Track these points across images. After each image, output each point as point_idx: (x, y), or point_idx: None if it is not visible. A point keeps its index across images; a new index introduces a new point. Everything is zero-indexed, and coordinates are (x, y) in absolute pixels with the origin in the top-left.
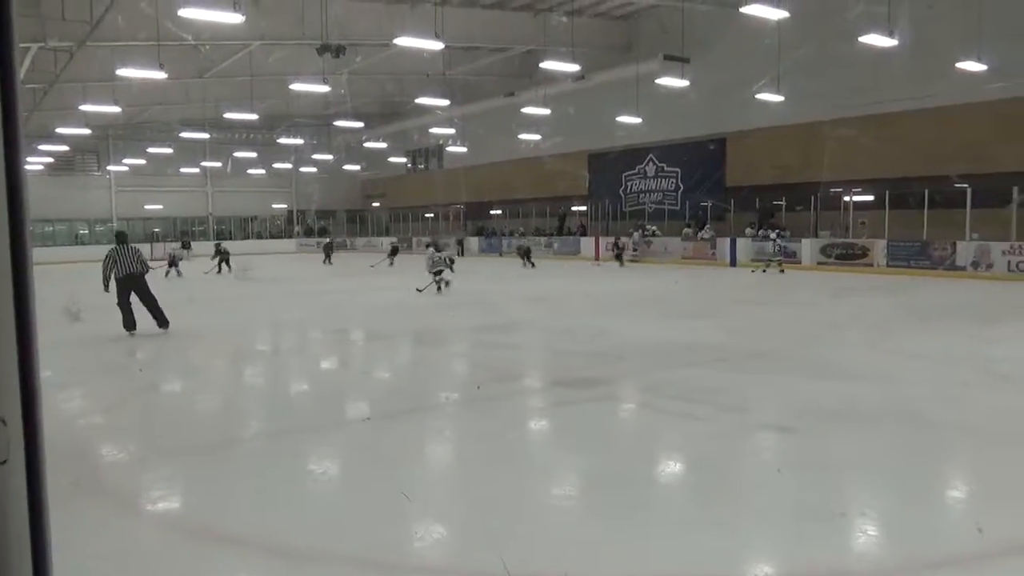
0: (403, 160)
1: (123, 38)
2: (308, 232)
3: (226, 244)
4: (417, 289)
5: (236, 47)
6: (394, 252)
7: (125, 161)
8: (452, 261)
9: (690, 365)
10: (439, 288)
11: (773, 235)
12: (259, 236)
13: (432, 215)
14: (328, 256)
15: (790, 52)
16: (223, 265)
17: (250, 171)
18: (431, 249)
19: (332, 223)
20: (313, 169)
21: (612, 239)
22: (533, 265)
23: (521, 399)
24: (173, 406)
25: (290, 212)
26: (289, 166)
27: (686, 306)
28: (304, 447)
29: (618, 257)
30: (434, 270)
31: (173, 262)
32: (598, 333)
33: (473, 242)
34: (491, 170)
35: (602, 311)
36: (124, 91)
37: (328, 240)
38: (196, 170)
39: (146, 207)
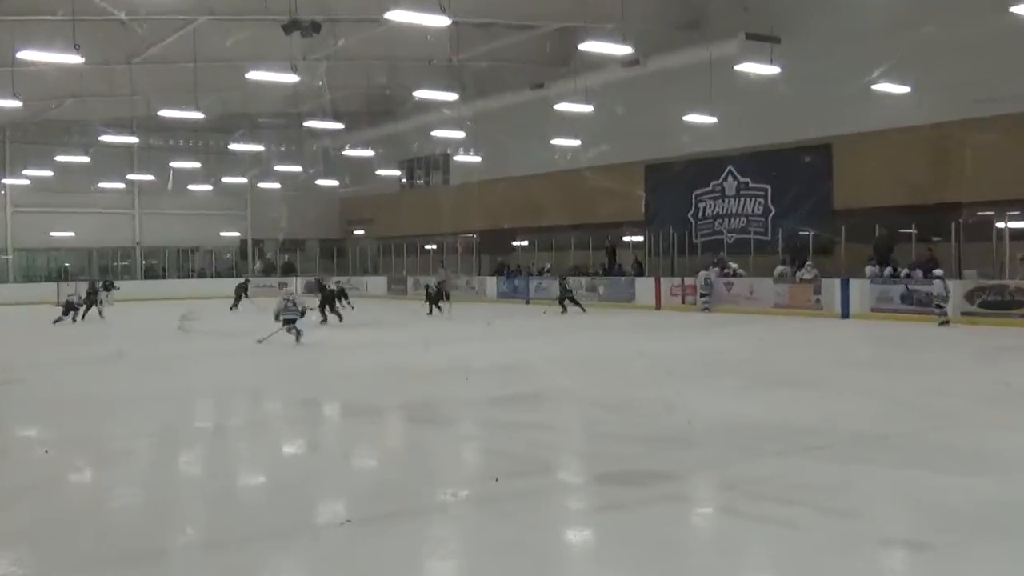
0: (396, 174)
1: (26, 11)
2: (268, 269)
3: (105, 282)
4: (258, 340)
5: (176, 23)
6: (434, 298)
7: (26, 172)
8: (303, 311)
9: (784, 453)
10: (297, 338)
11: (939, 274)
12: (202, 274)
13: (434, 247)
14: (236, 301)
15: (917, 28)
16: (91, 308)
17: (192, 187)
18: (286, 289)
19: (300, 258)
20: (276, 185)
21: (678, 280)
22: (583, 309)
23: (553, 499)
24: (83, 503)
25: (244, 242)
26: (244, 181)
27: (779, 372)
28: (258, 561)
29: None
30: (286, 316)
31: (70, 308)
32: (659, 409)
33: (489, 284)
34: (514, 187)
35: (664, 378)
36: (27, 80)
37: (243, 280)
38: (120, 185)
39: (52, 234)
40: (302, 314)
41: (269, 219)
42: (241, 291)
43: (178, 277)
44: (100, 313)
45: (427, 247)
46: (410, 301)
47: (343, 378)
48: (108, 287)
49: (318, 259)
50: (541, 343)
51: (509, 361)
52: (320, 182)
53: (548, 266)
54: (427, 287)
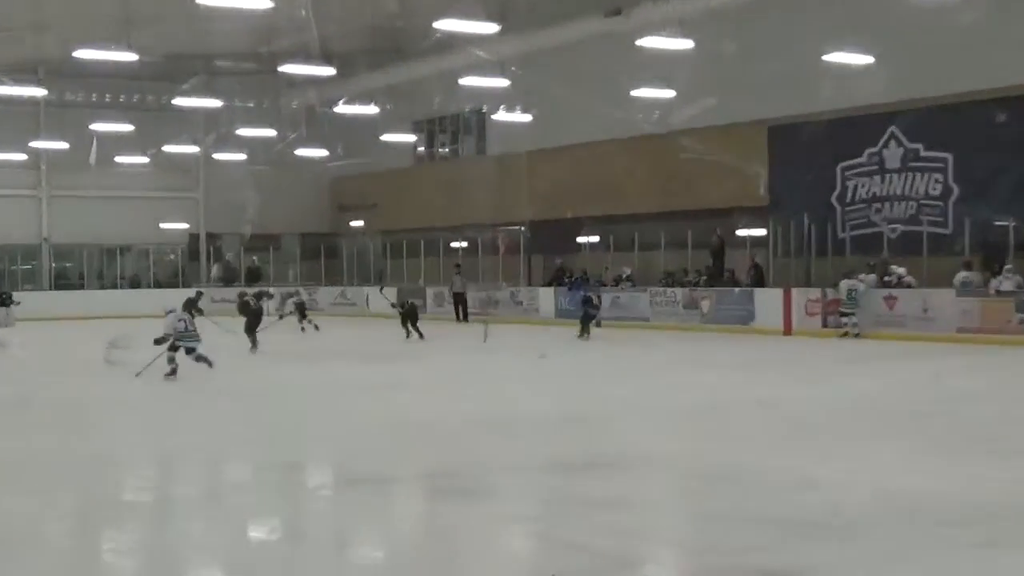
0: (410, 140)
1: None
2: (228, 276)
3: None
4: (136, 373)
5: None
6: (409, 316)
7: None
8: (194, 333)
9: (987, 545)
10: (209, 365)
11: None
12: (135, 283)
13: (464, 244)
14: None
15: None
16: None
17: (122, 159)
18: (176, 312)
19: (274, 259)
20: (240, 156)
21: (816, 293)
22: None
23: None
24: None
25: (195, 238)
26: (195, 150)
27: (967, 428)
28: None
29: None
30: (185, 344)
31: None
32: (790, 481)
33: (544, 298)
34: (578, 160)
35: (797, 437)
36: None
37: (193, 293)
38: (20, 156)
39: None
40: (193, 334)
41: (230, 205)
42: (190, 307)
43: (102, 287)
44: None
45: (454, 244)
46: (433, 320)
47: (336, 434)
48: (3, 301)
49: (299, 262)
50: (618, 385)
51: (573, 410)
52: (302, 152)
53: (628, 271)
54: (400, 304)
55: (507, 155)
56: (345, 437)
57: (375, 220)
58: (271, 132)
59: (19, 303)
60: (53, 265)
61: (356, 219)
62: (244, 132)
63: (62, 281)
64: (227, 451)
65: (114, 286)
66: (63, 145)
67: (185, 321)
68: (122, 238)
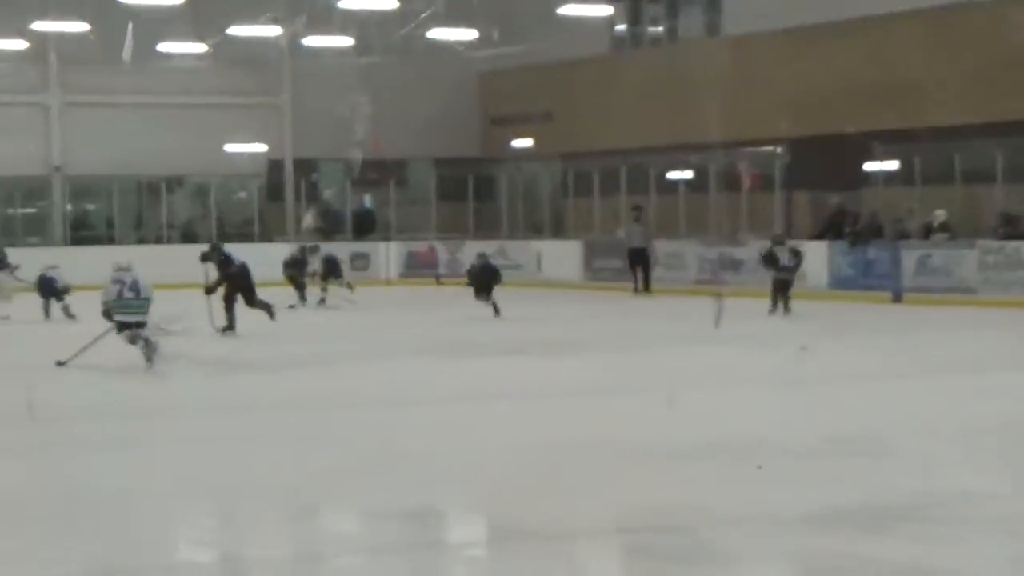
0: (604, 11)
1: None
2: (330, 224)
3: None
4: (57, 362)
5: None
6: (478, 279)
7: None
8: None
9: None
10: (148, 357)
11: None
12: (188, 235)
13: (686, 175)
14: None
15: None
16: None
17: (167, 47)
18: (119, 275)
19: (394, 199)
20: (343, 42)
21: None
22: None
23: None
24: None
25: (276, 167)
26: (277, 33)
27: None
28: None
29: None
30: (120, 316)
31: None
32: None
33: (813, 257)
34: (861, 42)
35: None
36: None
37: (300, 248)
38: (18, 45)
39: None
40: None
41: (329, 117)
42: (296, 267)
43: (139, 241)
44: None
45: (671, 175)
46: (602, 292)
47: (474, 465)
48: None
49: (434, 203)
50: (917, 392)
51: (843, 431)
52: (438, 34)
53: (942, 216)
54: (470, 268)
55: (753, 36)
56: (488, 469)
57: (550, 138)
58: (390, 3)
59: (17, 267)
60: (69, 207)
61: (520, 137)
62: (349, 4)
63: (83, 232)
64: (314, 491)
65: (158, 239)
66: (81, 26)
67: (123, 285)
68: (169, 167)
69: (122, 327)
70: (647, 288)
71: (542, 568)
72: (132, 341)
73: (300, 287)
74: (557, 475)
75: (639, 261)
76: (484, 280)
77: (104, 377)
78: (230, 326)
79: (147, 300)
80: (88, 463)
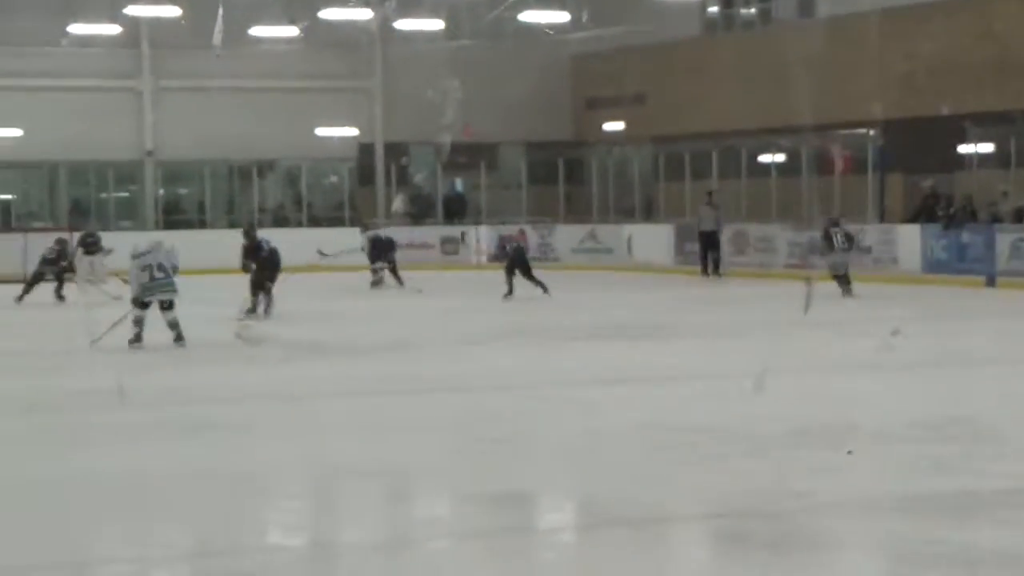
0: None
1: None
2: (419, 209)
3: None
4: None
5: None
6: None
7: None
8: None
9: None
10: (178, 337)
11: None
12: (279, 219)
13: (778, 158)
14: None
15: None
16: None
17: (259, 31)
18: (143, 260)
19: (485, 183)
20: (435, 24)
21: None
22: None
23: None
24: None
25: (366, 149)
26: (368, 16)
27: None
28: None
29: None
30: (147, 295)
31: (38, 278)
32: None
33: (906, 241)
34: (959, 22)
35: None
36: None
37: (372, 233)
38: (111, 30)
39: None
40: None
41: (420, 101)
42: (377, 253)
43: (230, 225)
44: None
45: (762, 158)
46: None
47: (561, 448)
48: (90, 247)
49: (525, 186)
50: (1009, 378)
51: (939, 415)
52: (530, 17)
53: None
54: (507, 247)
55: (847, 18)
56: (582, 454)
57: (642, 121)
58: None
59: (111, 251)
60: (161, 192)
61: (612, 120)
62: None
63: (174, 216)
64: (408, 475)
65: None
66: (173, 11)
67: (151, 268)
68: (260, 151)
69: (142, 305)
70: (717, 271)
71: (634, 554)
72: (171, 322)
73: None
74: (650, 460)
75: (710, 244)
76: (520, 260)
77: (192, 362)
78: (253, 309)
79: (174, 270)
80: (181, 447)
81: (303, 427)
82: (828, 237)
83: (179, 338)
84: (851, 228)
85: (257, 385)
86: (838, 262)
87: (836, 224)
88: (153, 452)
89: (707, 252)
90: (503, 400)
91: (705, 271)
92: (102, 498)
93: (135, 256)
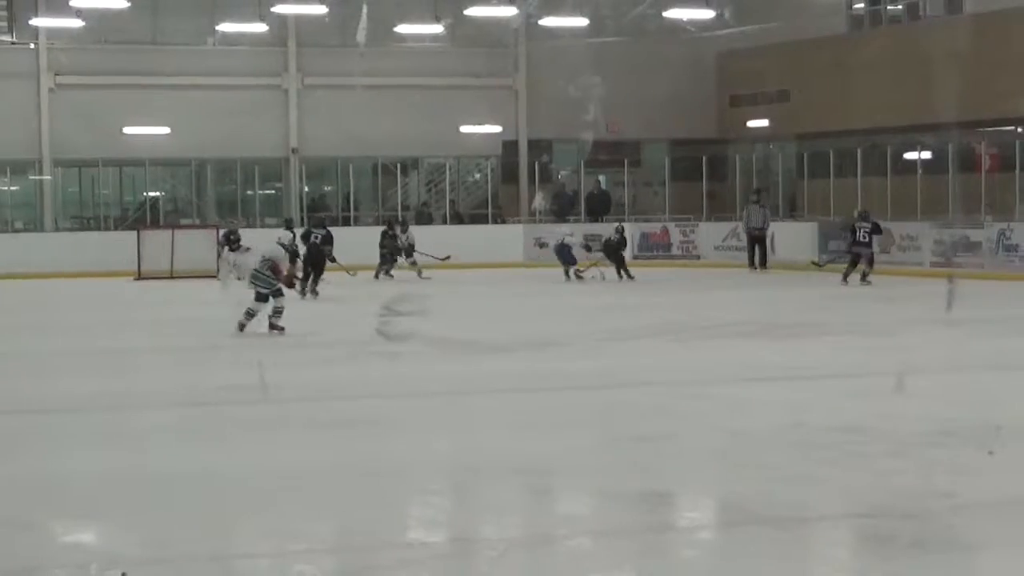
0: None
1: None
2: (561, 207)
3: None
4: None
5: None
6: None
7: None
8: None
9: None
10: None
11: None
12: (423, 215)
13: (924, 156)
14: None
15: None
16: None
17: (403, 29)
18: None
19: (628, 180)
20: (578, 22)
21: None
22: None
23: None
24: None
25: (510, 147)
26: (512, 13)
27: None
28: None
29: None
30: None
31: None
32: None
33: None
34: None
35: None
36: None
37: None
38: (257, 28)
39: (125, 131)
40: (275, 291)
41: (564, 98)
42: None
43: (375, 221)
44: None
45: (908, 156)
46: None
47: (707, 448)
48: (234, 244)
49: (667, 183)
50: None
51: None
52: (675, 15)
53: None
54: (608, 239)
55: (994, 14)
56: (723, 453)
57: (786, 118)
58: None
59: (248, 249)
60: (306, 189)
61: (755, 117)
62: None
63: (319, 214)
64: (548, 472)
65: (392, 222)
66: (319, 9)
67: (263, 261)
68: (404, 148)
69: (259, 297)
70: (764, 265)
71: (776, 553)
72: (274, 312)
73: (384, 260)
74: (793, 459)
75: (757, 241)
76: (616, 250)
77: (334, 358)
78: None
79: (269, 277)
80: (322, 442)
81: (445, 423)
82: (852, 229)
83: (274, 327)
84: (879, 222)
85: (399, 381)
86: (861, 252)
87: (865, 219)
88: (294, 447)
89: (754, 248)
90: (647, 398)
91: (752, 265)
92: (242, 493)
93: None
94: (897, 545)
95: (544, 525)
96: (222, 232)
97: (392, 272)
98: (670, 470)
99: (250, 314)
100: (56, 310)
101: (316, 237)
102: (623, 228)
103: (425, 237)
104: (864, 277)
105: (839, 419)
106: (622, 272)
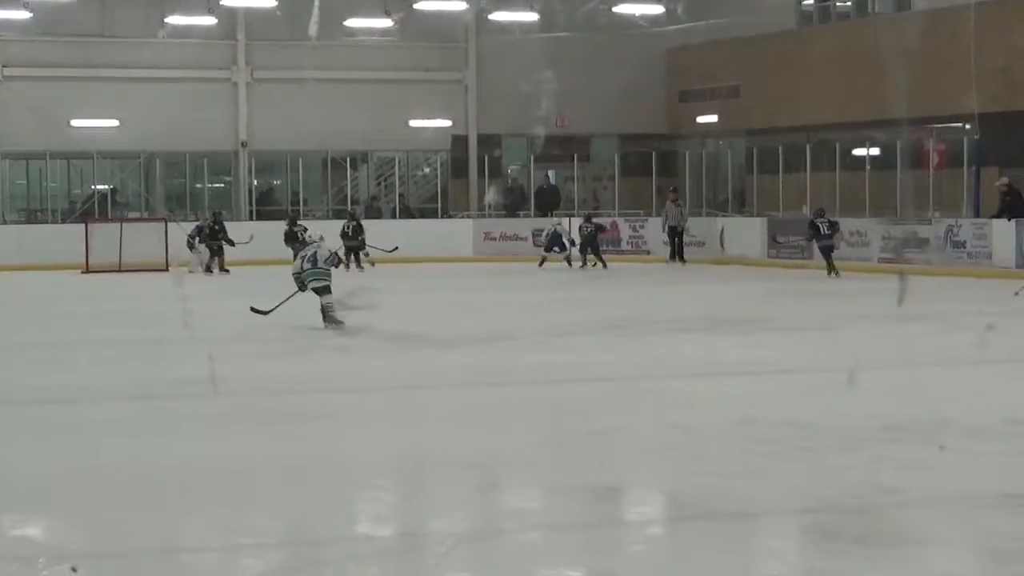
0: None
1: None
2: (513, 201)
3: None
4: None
5: None
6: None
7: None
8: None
9: None
10: (331, 322)
11: None
12: (371, 211)
13: (872, 152)
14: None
15: None
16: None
17: (354, 23)
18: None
19: (578, 175)
20: (528, 16)
21: None
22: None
23: None
24: None
25: (459, 141)
26: (463, 7)
27: None
28: None
29: None
30: (313, 281)
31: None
32: None
33: (1000, 236)
34: None
35: None
36: None
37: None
38: (207, 21)
39: (74, 123)
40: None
41: (514, 93)
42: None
43: (325, 215)
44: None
45: (856, 152)
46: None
47: (658, 443)
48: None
49: (617, 179)
50: None
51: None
52: (625, 9)
53: None
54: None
55: (943, 10)
56: (667, 446)
57: (735, 114)
58: None
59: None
60: (256, 183)
61: (705, 113)
62: None
63: (268, 207)
64: (497, 467)
65: (340, 215)
66: (268, 2)
67: (313, 251)
68: (354, 142)
69: (319, 291)
70: (681, 258)
71: (724, 548)
72: (327, 305)
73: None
74: (741, 454)
75: (675, 235)
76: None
77: (284, 352)
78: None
79: (328, 267)
80: (271, 436)
81: (394, 417)
82: (814, 226)
83: (330, 321)
84: (834, 218)
85: (349, 375)
86: (827, 246)
87: (821, 215)
88: (243, 441)
89: (675, 242)
90: (594, 392)
91: (673, 259)
92: (191, 486)
93: (307, 243)
94: (843, 540)
95: (493, 519)
96: (289, 219)
97: (362, 264)
98: (620, 464)
99: (332, 307)
100: (2, 303)
101: (347, 228)
102: (591, 216)
103: (374, 231)
104: (833, 270)
105: (789, 414)
106: (598, 261)
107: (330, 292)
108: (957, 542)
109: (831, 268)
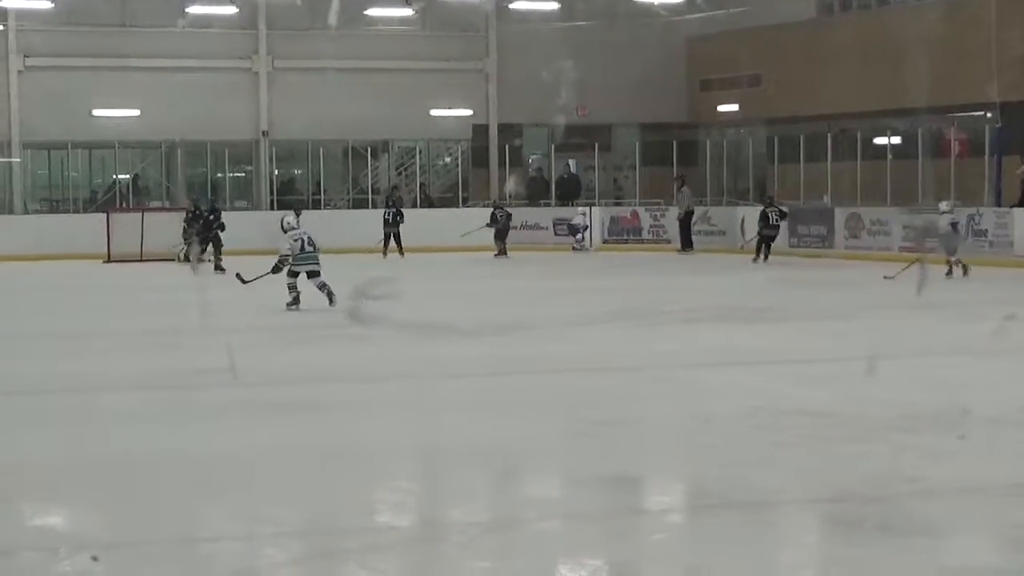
0: None
1: None
2: (534, 190)
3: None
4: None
5: None
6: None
7: None
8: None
9: None
10: (331, 300)
11: None
12: (392, 200)
13: (893, 141)
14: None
15: None
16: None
17: (375, 12)
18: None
19: (598, 164)
20: (550, 5)
21: None
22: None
23: None
24: None
25: (480, 131)
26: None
27: None
28: None
29: None
30: (305, 266)
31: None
32: None
33: (1022, 224)
34: None
35: None
36: None
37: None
38: (228, 10)
39: (95, 113)
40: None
41: (535, 82)
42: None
43: (346, 204)
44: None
45: (878, 140)
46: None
47: (677, 431)
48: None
49: (638, 168)
50: None
51: None
52: None
53: None
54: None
55: (961, 3)
56: (686, 435)
57: (756, 103)
58: None
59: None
60: (276, 172)
61: (726, 102)
62: None
63: (289, 197)
64: (516, 456)
65: (360, 204)
66: None
67: (303, 240)
68: (374, 131)
69: (310, 275)
70: (689, 245)
71: (743, 537)
72: (320, 287)
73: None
74: (760, 443)
75: (685, 225)
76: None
77: (303, 342)
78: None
79: (318, 251)
80: (292, 426)
81: (413, 407)
82: (764, 215)
83: (332, 298)
84: (785, 207)
85: (368, 365)
86: (771, 235)
87: (771, 204)
88: (263, 431)
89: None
90: (613, 382)
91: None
92: (211, 476)
93: (287, 230)
94: (863, 529)
95: (513, 509)
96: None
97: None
98: (638, 454)
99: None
100: (25, 293)
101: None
102: (504, 205)
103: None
104: (767, 258)
105: (807, 403)
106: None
107: (320, 275)
108: (977, 531)
109: (760, 254)
